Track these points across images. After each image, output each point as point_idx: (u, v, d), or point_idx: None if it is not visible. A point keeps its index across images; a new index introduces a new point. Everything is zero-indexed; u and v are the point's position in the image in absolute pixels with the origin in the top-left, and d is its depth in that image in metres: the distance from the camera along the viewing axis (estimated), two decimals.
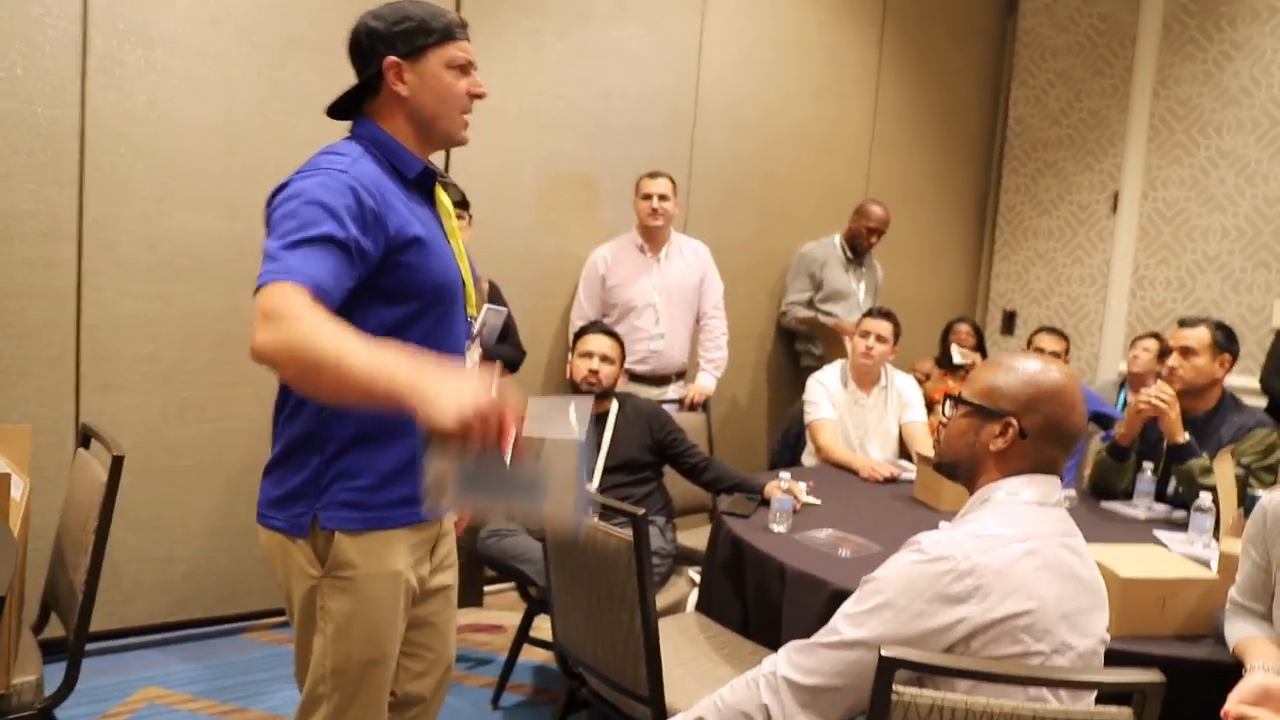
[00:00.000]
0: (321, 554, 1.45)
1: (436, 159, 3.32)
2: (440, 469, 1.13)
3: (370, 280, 1.40)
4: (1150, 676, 1.19)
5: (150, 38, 2.81)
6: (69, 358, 2.79)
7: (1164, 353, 4.12)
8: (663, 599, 2.62)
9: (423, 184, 1.53)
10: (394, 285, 1.42)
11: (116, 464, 1.92)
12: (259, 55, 3.00)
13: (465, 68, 1.49)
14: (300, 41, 3.06)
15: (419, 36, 1.44)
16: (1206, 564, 2.13)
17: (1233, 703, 1.54)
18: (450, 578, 1.69)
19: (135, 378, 2.89)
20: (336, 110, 1.53)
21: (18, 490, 1.92)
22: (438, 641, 1.69)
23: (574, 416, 1.20)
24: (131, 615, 2.97)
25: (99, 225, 2.79)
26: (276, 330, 1.19)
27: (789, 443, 3.83)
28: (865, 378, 3.45)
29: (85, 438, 2.20)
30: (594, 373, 2.83)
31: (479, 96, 1.52)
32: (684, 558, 2.99)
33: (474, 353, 1.64)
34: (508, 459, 1.13)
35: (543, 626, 2.56)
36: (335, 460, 1.45)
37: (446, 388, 1.11)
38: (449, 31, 1.46)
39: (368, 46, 1.46)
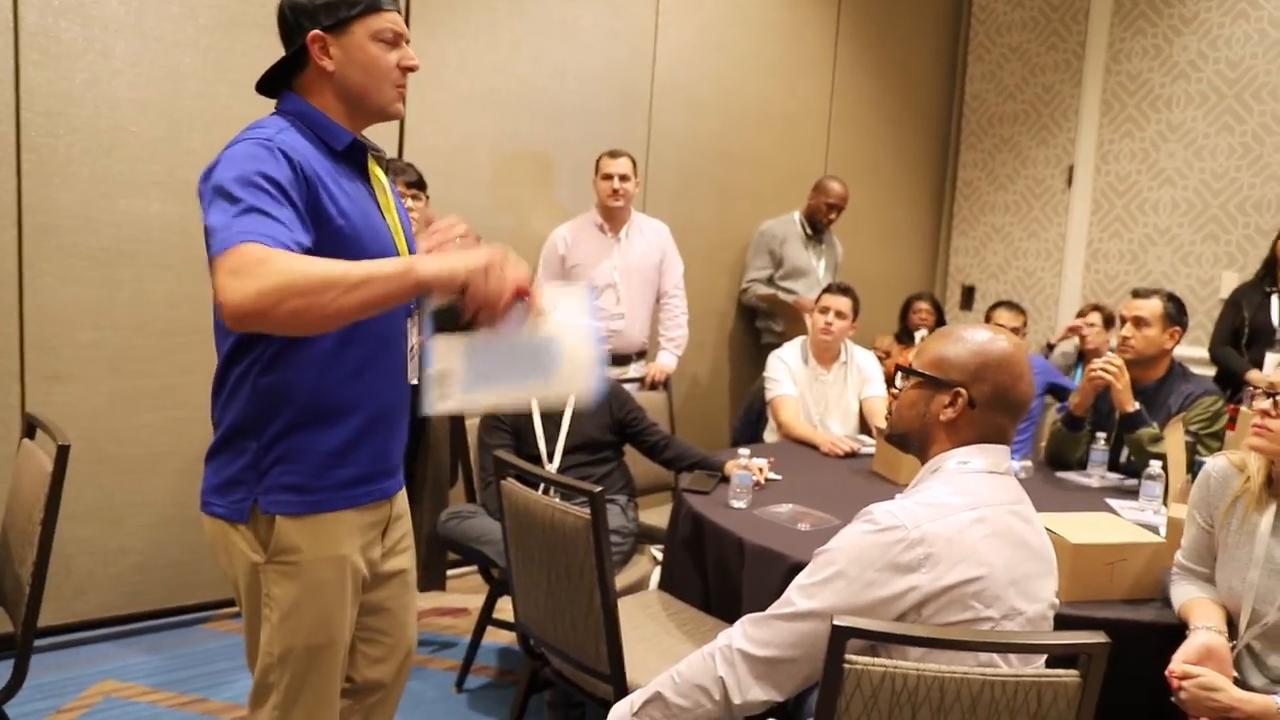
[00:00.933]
0: (264, 539, 1.43)
1: (390, 140, 3.30)
2: (446, 355, 1.10)
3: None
4: (1095, 639, 1.21)
5: (89, 15, 2.72)
6: (12, 346, 2.71)
7: (1108, 322, 4.21)
8: (625, 577, 2.63)
9: (353, 157, 1.49)
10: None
11: (62, 454, 1.87)
12: (205, 36, 2.92)
13: (395, 40, 1.44)
14: (247, 23, 2.99)
15: (342, 8, 1.40)
16: (1156, 530, 2.18)
17: (1177, 662, 1.59)
18: (406, 561, 1.67)
19: (82, 365, 2.82)
20: (265, 86, 1.49)
21: None
22: (395, 627, 1.67)
23: (583, 302, 1.18)
24: (84, 609, 2.92)
25: (38, 209, 2.71)
26: (251, 279, 1.16)
27: (751, 419, 3.85)
28: (825, 354, 3.47)
29: (30, 428, 2.14)
30: None
31: (410, 69, 1.47)
32: (646, 536, 2.99)
33: (416, 331, 1.61)
34: (520, 324, 1.11)
35: (506, 608, 2.55)
36: (275, 444, 1.42)
37: (449, 257, 1.11)
38: (374, 2, 1.42)
39: (292, 21, 1.43)
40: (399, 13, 1.47)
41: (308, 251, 1.29)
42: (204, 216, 1.29)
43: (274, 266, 1.17)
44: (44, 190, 2.71)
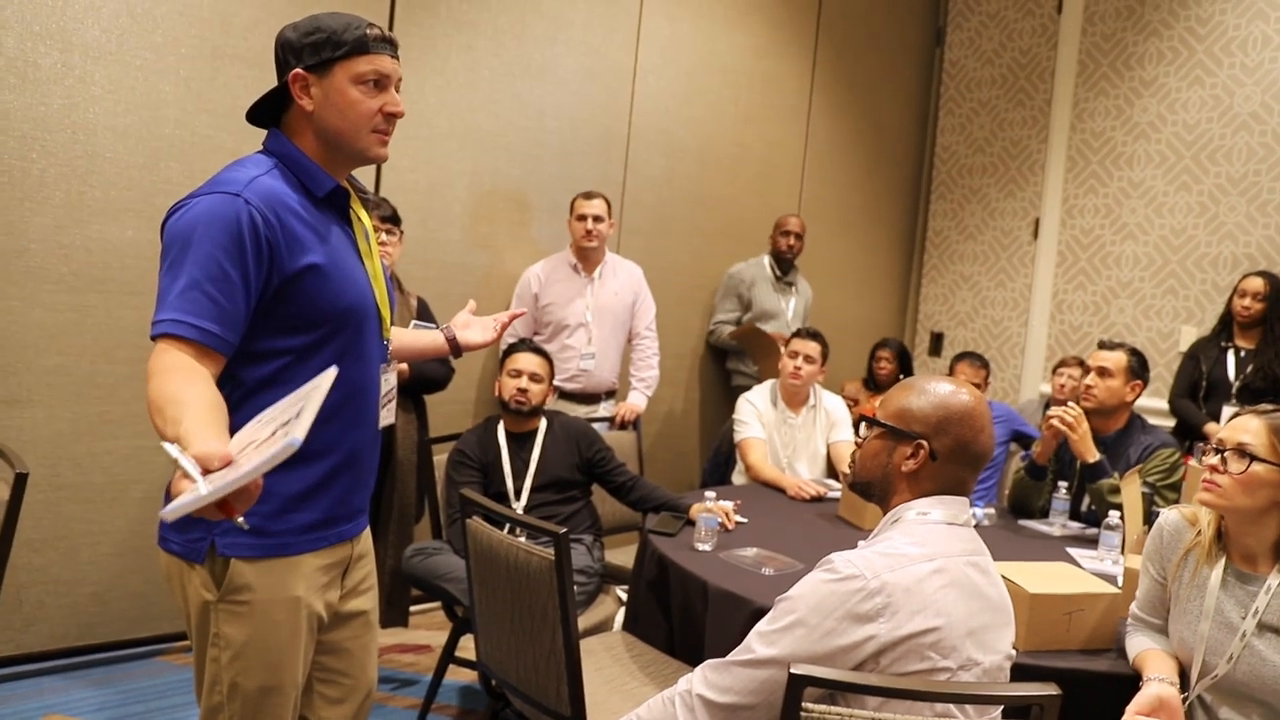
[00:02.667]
0: (218, 578, 1.42)
1: (367, 175, 3.31)
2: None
3: (271, 307, 1.39)
4: (1046, 690, 1.23)
5: (69, 42, 2.73)
6: None
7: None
8: (590, 617, 2.61)
9: (335, 202, 1.50)
10: (295, 313, 1.40)
11: (19, 482, 1.85)
12: (186, 66, 2.94)
13: (380, 83, 1.44)
14: (228, 54, 3.01)
15: (326, 49, 1.40)
16: (1114, 580, 2.22)
17: (1130, 713, 1.61)
18: (367, 603, 1.65)
19: (44, 391, 2.78)
20: (256, 116, 1.50)
21: None
22: (354, 667, 1.65)
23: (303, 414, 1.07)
24: (32, 641, 2.85)
25: (6, 232, 2.69)
26: (149, 382, 1.24)
27: (719, 461, 3.86)
28: (794, 398, 3.50)
29: None
30: (522, 391, 2.82)
31: (395, 115, 1.46)
32: (612, 576, 2.99)
33: (391, 376, 1.62)
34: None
35: (469, 646, 2.53)
36: None
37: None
38: (360, 45, 1.41)
39: (281, 56, 1.44)
40: (393, 57, 1.46)
41: (275, 297, 1.36)
42: (160, 263, 1.33)
43: (156, 383, 1.23)
44: (15, 213, 2.69)
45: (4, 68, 2.64)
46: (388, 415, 1.61)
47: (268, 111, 1.49)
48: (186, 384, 1.23)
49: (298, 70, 1.41)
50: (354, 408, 1.51)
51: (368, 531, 1.66)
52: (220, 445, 1.07)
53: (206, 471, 1.04)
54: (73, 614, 2.91)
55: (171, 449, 1.08)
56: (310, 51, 1.41)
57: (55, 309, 2.78)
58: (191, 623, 1.46)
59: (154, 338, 1.30)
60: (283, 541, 1.44)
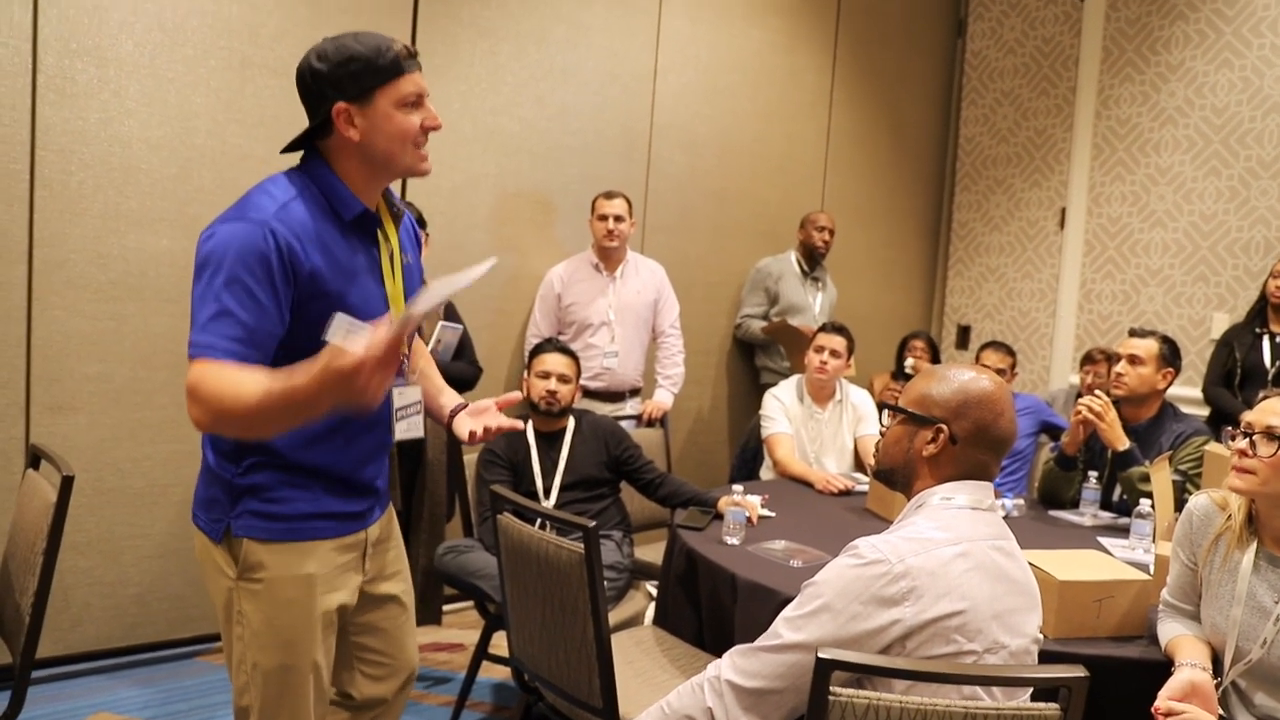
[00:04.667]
0: (235, 557, 1.50)
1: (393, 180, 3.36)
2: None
3: (291, 329, 1.44)
4: (1074, 672, 1.23)
5: (104, 57, 2.80)
6: (18, 378, 2.75)
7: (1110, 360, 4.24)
8: (620, 613, 2.64)
9: (363, 225, 1.53)
10: (305, 332, 1.43)
11: (66, 484, 1.90)
12: (216, 78, 3.01)
13: (418, 102, 1.46)
14: (257, 64, 3.07)
15: (366, 78, 1.41)
16: (1146, 568, 2.20)
17: (1162, 698, 1.61)
18: (396, 586, 1.72)
19: (86, 398, 2.86)
20: (292, 147, 1.53)
21: None
22: (392, 647, 1.72)
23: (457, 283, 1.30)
24: (80, 641, 2.93)
25: (49, 243, 2.77)
26: (203, 407, 1.31)
27: (747, 457, 3.87)
28: (821, 392, 3.50)
29: (35, 459, 2.17)
30: (552, 393, 2.85)
31: (433, 129, 1.49)
32: (642, 572, 3.01)
33: (411, 390, 1.68)
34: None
35: (501, 643, 2.56)
36: (250, 473, 1.49)
37: (338, 381, 1.19)
38: (396, 67, 1.42)
39: (315, 90, 1.43)
40: (419, 69, 1.48)
41: (295, 321, 1.42)
42: (194, 280, 1.39)
43: (216, 401, 1.30)
44: (55, 225, 2.77)
45: (44, 84, 2.72)
46: (408, 429, 1.64)
47: (301, 138, 1.51)
48: (248, 375, 1.32)
49: (341, 104, 1.42)
50: (360, 423, 1.54)
51: (388, 517, 1.71)
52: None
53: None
54: (117, 615, 2.98)
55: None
56: (350, 82, 1.41)
57: (95, 318, 2.86)
58: (219, 603, 1.55)
59: (191, 358, 1.35)
60: (295, 527, 1.51)
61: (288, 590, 1.50)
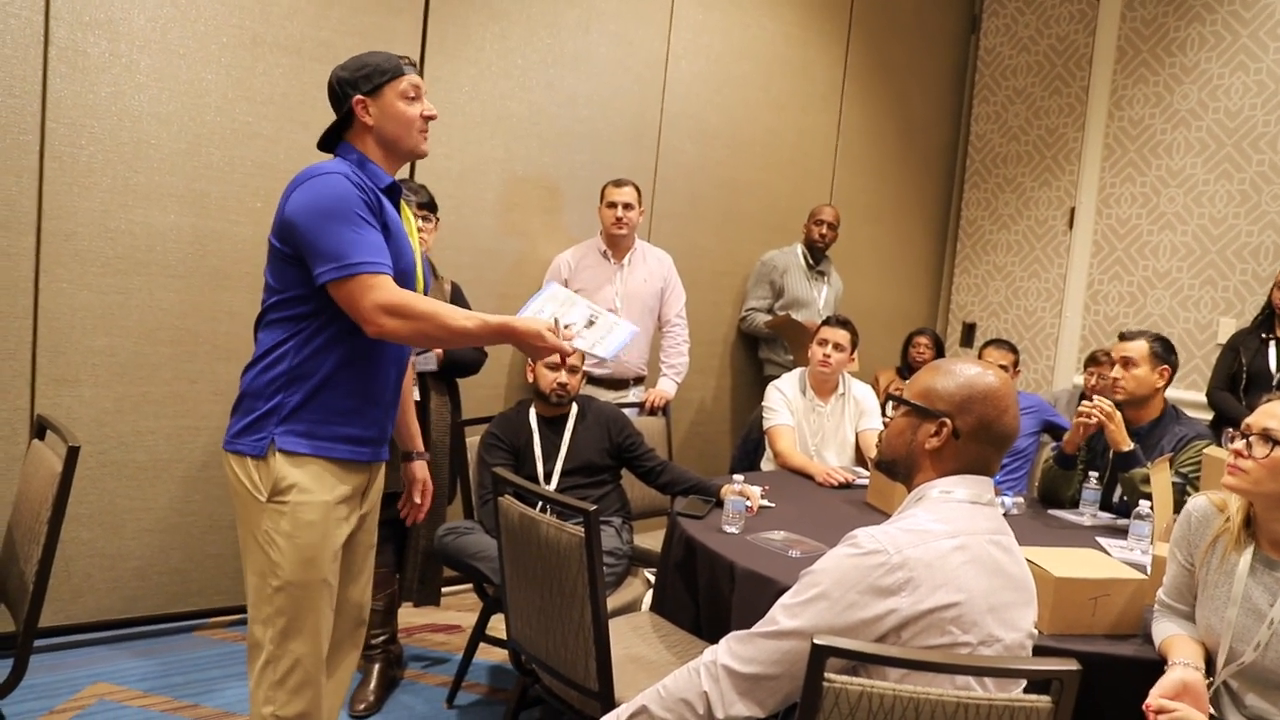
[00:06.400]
0: (268, 479, 1.77)
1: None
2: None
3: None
4: (1066, 665, 1.24)
5: (116, 31, 2.81)
6: (25, 350, 2.77)
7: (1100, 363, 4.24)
8: (618, 599, 2.65)
9: (391, 193, 1.91)
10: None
11: (72, 455, 1.92)
12: (227, 54, 3.01)
13: (416, 95, 1.87)
14: (268, 42, 3.07)
15: (376, 76, 1.84)
16: (1143, 569, 2.21)
17: (1154, 696, 1.62)
18: (369, 537, 2.03)
19: (91, 371, 2.88)
20: (323, 144, 1.90)
21: None
22: (348, 579, 1.97)
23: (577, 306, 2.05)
24: (80, 612, 2.95)
25: (57, 216, 2.78)
26: (407, 321, 1.72)
27: (748, 448, 3.88)
28: (823, 386, 3.51)
29: (41, 429, 2.19)
30: (563, 385, 2.85)
31: (431, 118, 1.90)
32: (641, 559, 3.02)
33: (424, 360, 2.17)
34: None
35: (499, 626, 2.58)
36: (299, 395, 1.78)
37: (529, 331, 1.81)
38: (399, 70, 1.86)
39: (340, 91, 1.85)
40: (418, 73, 1.91)
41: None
42: (308, 238, 1.71)
43: (424, 319, 1.74)
44: (64, 198, 2.78)
45: (55, 57, 2.72)
46: (426, 361, 2.06)
47: (331, 138, 1.90)
48: (443, 304, 1.79)
49: (358, 97, 1.83)
50: (392, 352, 1.90)
51: (381, 477, 2.02)
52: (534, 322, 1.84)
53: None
54: (117, 587, 3.00)
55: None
56: (365, 81, 1.84)
57: (102, 291, 2.87)
58: (248, 529, 1.81)
59: (355, 274, 1.69)
60: (327, 445, 1.81)
61: (310, 513, 1.78)
